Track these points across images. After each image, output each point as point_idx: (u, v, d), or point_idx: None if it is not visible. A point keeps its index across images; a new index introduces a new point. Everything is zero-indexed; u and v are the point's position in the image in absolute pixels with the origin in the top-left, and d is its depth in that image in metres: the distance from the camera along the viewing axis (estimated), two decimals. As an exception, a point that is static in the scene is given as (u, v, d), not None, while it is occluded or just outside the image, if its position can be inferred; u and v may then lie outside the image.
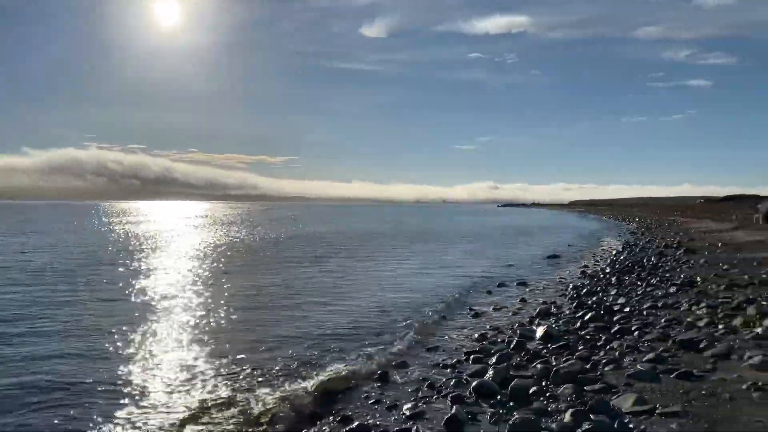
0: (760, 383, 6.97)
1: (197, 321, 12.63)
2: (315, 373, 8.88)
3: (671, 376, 7.61)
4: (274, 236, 45.07)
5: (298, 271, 22.21)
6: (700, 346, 9.10)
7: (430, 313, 13.79)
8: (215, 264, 24.51)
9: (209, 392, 7.96)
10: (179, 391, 7.99)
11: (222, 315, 13.27)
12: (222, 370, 8.98)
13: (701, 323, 10.79)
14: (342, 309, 14.32)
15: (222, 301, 15.00)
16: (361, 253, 30.43)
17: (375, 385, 8.24)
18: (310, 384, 8.26)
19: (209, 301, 15.17)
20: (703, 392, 6.90)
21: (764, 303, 12.03)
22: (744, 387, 6.94)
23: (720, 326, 10.41)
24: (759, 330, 9.84)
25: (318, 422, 6.84)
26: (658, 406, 6.50)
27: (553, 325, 11.62)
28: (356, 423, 6.58)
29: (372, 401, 7.53)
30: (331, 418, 6.96)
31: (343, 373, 8.85)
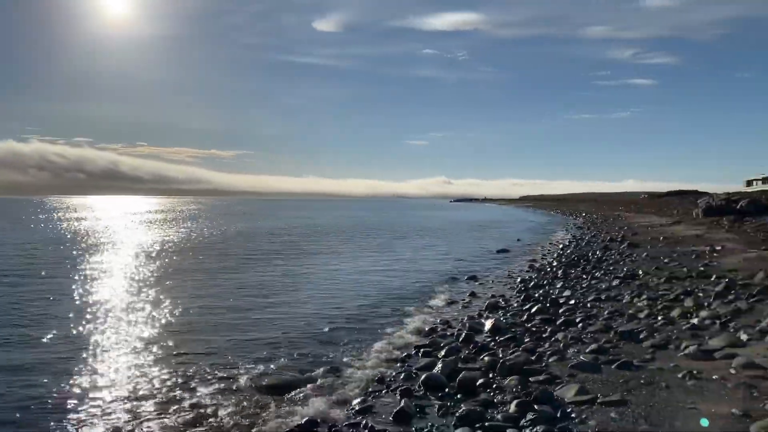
0: (694, 372, 7.30)
1: (141, 322, 12.39)
2: (266, 369, 8.83)
3: (612, 366, 7.89)
4: (224, 232, 44.46)
5: (250, 269, 21.98)
6: (640, 336, 9.45)
7: (382, 308, 13.88)
8: (160, 263, 24.03)
9: (155, 392, 7.83)
10: (124, 396, 7.84)
11: (166, 315, 13.04)
12: (166, 369, 8.84)
13: (642, 315, 11.20)
14: (295, 304, 14.28)
15: (167, 302, 14.72)
16: (314, 249, 30.33)
17: (326, 379, 8.26)
18: (260, 380, 8.22)
19: (151, 302, 14.87)
20: (641, 381, 7.18)
21: (701, 295, 12.57)
22: (680, 376, 7.25)
23: (659, 317, 10.83)
24: (695, 321, 10.29)
25: (264, 416, 6.80)
26: (599, 395, 6.73)
27: (501, 318, 11.87)
28: (306, 418, 6.59)
29: (321, 396, 7.55)
30: (281, 410, 6.95)
31: (294, 368, 8.84)
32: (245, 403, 7.29)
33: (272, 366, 8.98)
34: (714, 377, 7.07)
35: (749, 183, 70.73)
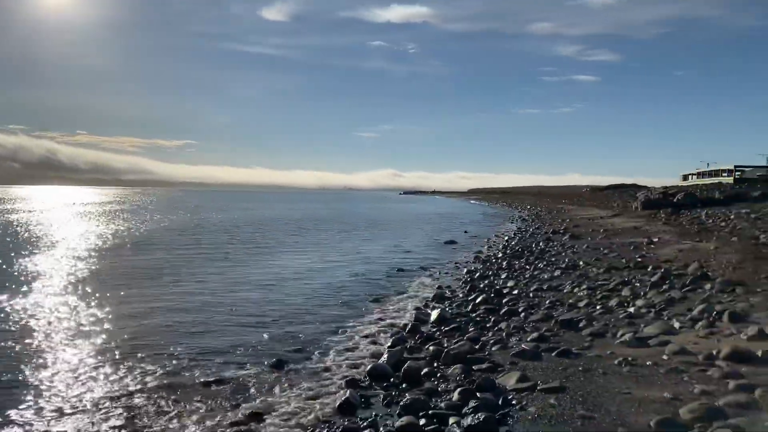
0: (630, 358, 7.58)
1: (74, 324, 12.02)
2: (210, 365, 8.70)
3: (552, 354, 8.11)
4: (165, 226, 43.48)
5: (190, 266, 21.58)
6: (580, 325, 9.75)
7: (329, 300, 13.87)
8: (94, 260, 23.34)
9: (88, 394, 7.61)
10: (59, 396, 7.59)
11: (98, 317, 12.68)
12: (103, 370, 8.61)
13: (581, 304, 11.55)
14: (242, 296, 14.10)
15: (99, 304, 14.32)
16: (263, 242, 30.02)
17: (271, 371, 8.20)
18: (204, 376, 8.10)
19: (80, 304, 14.45)
20: (579, 368, 7.41)
21: (637, 285, 13.04)
22: (616, 362, 7.52)
23: (598, 307, 11.19)
24: (632, 309, 10.68)
25: (212, 409, 6.71)
26: (539, 382, 6.92)
27: (447, 309, 12.04)
28: (249, 411, 6.55)
29: (266, 387, 7.50)
30: (227, 404, 6.87)
31: (238, 362, 8.75)
32: (188, 399, 7.16)
33: (217, 361, 8.84)
34: (648, 363, 7.36)
35: (685, 177, 73.70)
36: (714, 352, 7.45)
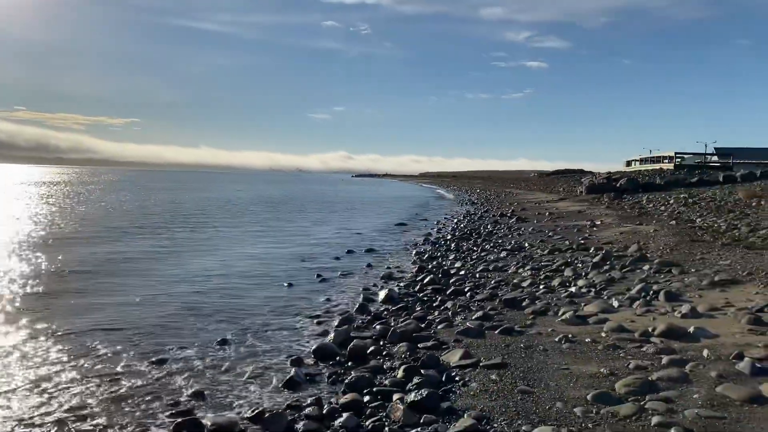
0: (569, 336, 7.79)
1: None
2: (151, 342, 8.52)
3: (496, 331, 8.26)
4: (104, 207, 42.26)
5: (137, 244, 21.05)
6: (523, 304, 9.96)
7: (277, 280, 13.74)
8: (37, 244, 22.53)
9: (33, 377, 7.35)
10: None
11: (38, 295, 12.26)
12: (43, 352, 8.32)
13: (525, 284, 11.80)
14: (188, 279, 13.84)
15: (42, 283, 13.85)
16: (210, 224, 29.50)
17: (215, 351, 8.08)
18: (145, 354, 7.92)
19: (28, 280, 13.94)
20: (521, 345, 7.58)
21: (579, 265, 13.39)
22: (556, 339, 7.71)
23: (541, 286, 11.45)
24: (573, 289, 10.97)
25: (153, 389, 6.56)
26: (482, 359, 7.04)
27: (395, 289, 12.10)
28: (192, 390, 6.44)
29: (212, 367, 7.39)
30: (168, 384, 6.73)
31: (183, 343, 8.59)
32: (129, 380, 6.99)
33: (159, 342, 8.66)
34: (587, 340, 7.58)
35: (629, 163, 75.86)
36: (649, 329, 7.74)
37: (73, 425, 5.55)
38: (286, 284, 13.27)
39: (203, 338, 8.75)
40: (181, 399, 6.22)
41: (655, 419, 4.98)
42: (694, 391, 5.60)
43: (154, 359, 7.59)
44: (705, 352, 6.66)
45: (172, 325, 9.56)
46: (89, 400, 6.24)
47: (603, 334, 7.84)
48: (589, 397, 5.63)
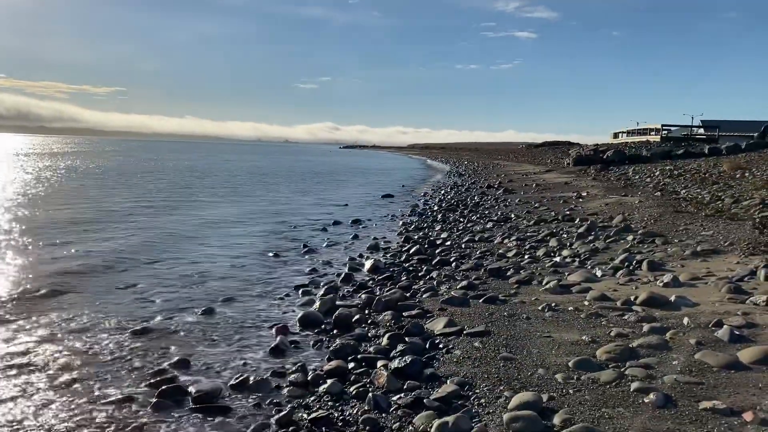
0: (553, 304, 7.87)
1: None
2: (135, 310, 8.50)
3: (480, 300, 8.32)
4: (94, 175, 41.81)
5: (124, 215, 20.87)
6: (507, 274, 10.02)
7: (264, 251, 13.72)
8: (27, 206, 22.27)
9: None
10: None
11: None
12: (23, 317, 8.27)
13: (510, 254, 11.85)
14: (172, 248, 13.77)
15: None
16: (197, 193, 29.30)
17: (200, 320, 8.07)
18: (128, 323, 7.91)
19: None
20: (505, 314, 7.64)
21: (564, 236, 13.47)
22: (540, 308, 7.78)
23: (526, 256, 11.51)
24: (557, 259, 11.05)
25: (136, 358, 6.56)
26: (465, 327, 7.09)
27: (381, 259, 12.14)
28: (176, 358, 6.44)
29: (196, 336, 7.39)
30: (151, 353, 6.71)
31: (165, 310, 8.58)
32: (112, 349, 6.97)
33: (143, 310, 8.64)
34: (570, 309, 7.66)
35: (616, 135, 76.07)
36: (632, 298, 7.83)
37: (54, 395, 5.54)
38: (272, 254, 13.26)
39: (187, 307, 8.73)
40: (165, 367, 6.20)
41: (634, 385, 5.05)
42: (673, 358, 5.68)
43: (137, 328, 7.55)
44: (685, 320, 6.75)
45: (154, 294, 9.53)
46: (69, 370, 6.22)
47: (586, 303, 7.92)
48: (570, 363, 5.70)
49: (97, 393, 5.56)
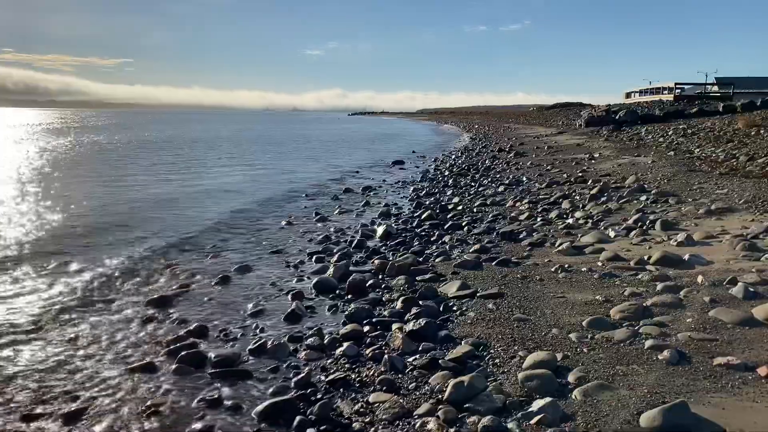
0: (566, 265, 7.88)
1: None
2: (151, 279, 8.63)
3: (493, 263, 8.35)
4: (104, 144, 41.92)
5: (136, 180, 20.98)
6: (520, 236, 10.03)
7: (275, 218, 13.80)
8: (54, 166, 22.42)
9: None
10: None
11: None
12: (51, 290, 8.41)
13: (522, 217, 11.85)
14: (185, 219, 13.86)
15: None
16: (205, 161, 29.34)
17: (216, 288, 8.18)
18: (145, 291, 8.03)
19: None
20: (518, 276, 7.67)
21: (577, 198, 13.42)
22: (553, 270, 7.80)
23: (538, 219, 11.50)
24: (570, 221, 11.04)
25: (154, 326, 6.68)
26: (479, 289, 7.14)
27: (393, 225, 12.17)
28: (195, 324, 6.55)
29: (212, 303, 7.50)
30: (168, 321, 6.83)
31: (180, 277, 8.70)
32: (128, 317, 7.09)
33: (159, 276, 8.76)
34: (583, 270, 7.67)
35: (628, 95, 74.90)
36: (645, 258, 7.83)
37: (73, 363, 5.67)
38: (284, 222, 13.33)
39: (202, 276, 8.84)
40: (183, 334, 6.31)
41: (648, 342, 5.09)
42: (687, 316, 5.71)
43: (153, 297, 7.67)
44: (699, 279, 6.75)
45: (169, 258, 9.66)
46: (87, 338, 6.35)
47: (599, 263, 7.93)
48: (584, 323, 5.74)
49: (117, 360, 5.69)
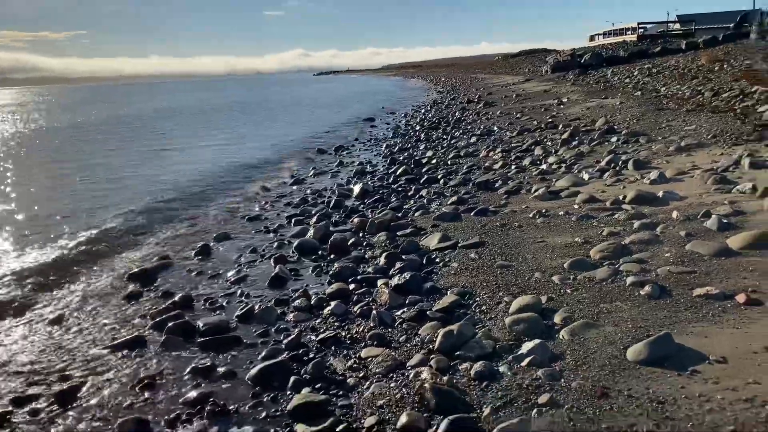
0: (543, 210, 7.98)
1: None
2: (130, 253, 8.53)
3: (471, 214, 8.41)
4: (79, 119, 40.79)
5: (108, 150, 20.51)
6: (496, 185, 10.10)
7: (249, 182, 13.68)
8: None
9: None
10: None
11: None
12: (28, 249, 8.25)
13: (497, 166, 11.90)
14: (161, 182, 13.63)
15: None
16: (174, 130, 28.76)
17: (196, 258, 8.11)
18: (125, 265, 7.94)
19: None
20: (497, 224, 7.74)
21: (549, 143, 13.50)
22: (531, 215, 7.89)
23: (512, 167, 11.57)
24: (544, 166, 11.11)
25: (138, 300, 6.62)
26: (460, 240, 7.20)
27: (369, 183, 12.14)
28: (179, 295, 6.50)
29: (194, 273, 7.45)
30: (152, 294, 6.78)
31: (162, 246, 8.62)
32: (111, 291, 7.01)
33: (140, 250, 8.66)
34: (560, 213, 7.78)
35: (592, 38, 74.73)
36: (620, 197, 7.95)
37: (61, 341, 5.61)
38: (260, 188, 13.21)
39: (182, 247, 8.76)
40: (168, 306, 6.26)
41: (629, 279, 5.20)
42: (665, 251, 5.84)
43: (134, 270, 7.57)
44: (674, 214, 6.89)
45: (148, 235, 9.55)
46: (70, 315, 6.28)
47: (575, 206, 8.04)
48: (565, 265, 5.84)
49: (105, 337, 5.64)
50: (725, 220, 6.26)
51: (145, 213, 11.14)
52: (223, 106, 52.33)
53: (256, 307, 5.91)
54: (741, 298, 4.51)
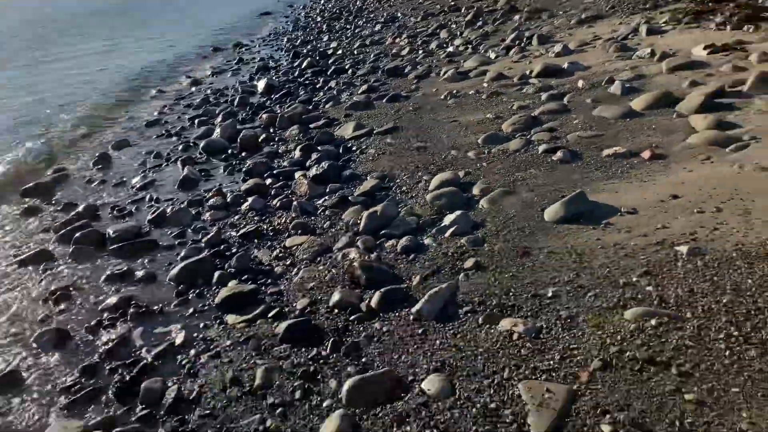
0: (454, 91, 7.95)
1: None
2: (17, 171, 7.89)
3: (383, 101, 8.27)
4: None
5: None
6: (405, 71, 9.92)
7: (145, 85, 12.82)
8: None
9: None
10: None
11: None
12: None
13: (404, 52, 11.67)
14: (45, 102, 12.51)
15: None
16: (47, 39, 26.21)
17: (95, 168, 7.59)
18: (15, 182, 7.36)
19: None
20: (410, 108, 7.67)
21: (453, 26, 13.32)
22: (442, 97, 7.86)
23: (420, 52, 11.37)
24: (451, 49, 11.00)
25: (37, 216, 6.17)
26: (374, 127, 7.09)
27: (273, 78, 11.64)
28: (83, 205, 6.10)
29: (96, 183, 6.99)
30: (52, 208, 6.32)
31: (54, 162, 8.04)
32: (9, 209, 6.50)
33: (37, 160, 8.03)
34: (471, 93, 7.78)
35: None
36: (527, 72, 8.03)
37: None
38: (155, 92, 12.40)
39: (79, 157, 8.20)
40: (72, 216, 5.87)
41: (541, 148, 5.32)
42: (573, 119, 5.99)
43: (29, 185, 6.99)
44: (580, 83, 7.04)
45: (46, 146, 8.84)
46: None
47: (485, 85, 8.06)
48: (479, 141, 5.90)
49: (6, 255, 5.26)
50: (628, 85, 6.46)
51: (39, 124, 10.26)
52: (93, 14, 47.93)
53: (168, 210, 5.65)
54: (646, 154, 4.72)
